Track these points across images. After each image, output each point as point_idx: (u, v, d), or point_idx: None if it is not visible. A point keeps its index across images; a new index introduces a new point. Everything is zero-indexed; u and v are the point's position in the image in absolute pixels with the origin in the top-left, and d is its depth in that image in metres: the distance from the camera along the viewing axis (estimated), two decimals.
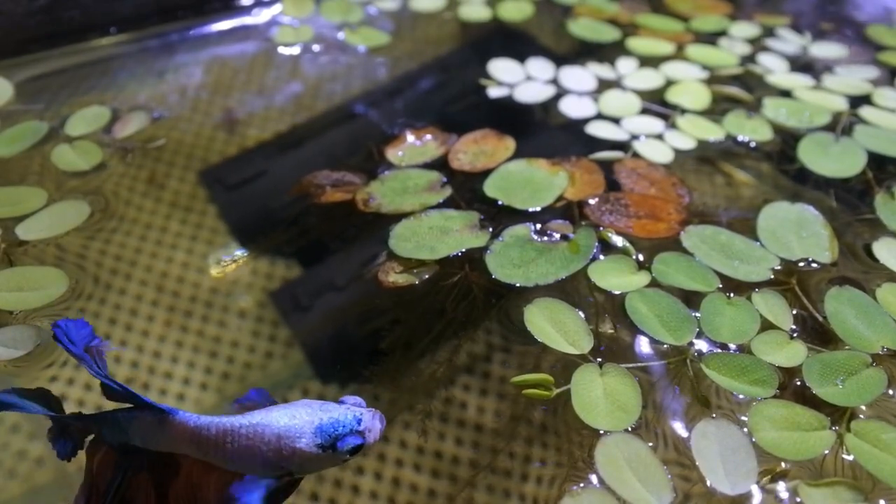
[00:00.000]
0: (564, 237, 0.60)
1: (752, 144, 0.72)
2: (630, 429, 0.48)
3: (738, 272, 0.57)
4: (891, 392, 0.50)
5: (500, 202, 0.63)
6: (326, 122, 0.75)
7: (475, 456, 0.48)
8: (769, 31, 0.90)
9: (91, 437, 0.40)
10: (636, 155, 0.69)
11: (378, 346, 0.54)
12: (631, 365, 0.51)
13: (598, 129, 0.72)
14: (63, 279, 0.56)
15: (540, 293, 0.55)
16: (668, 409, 0.49)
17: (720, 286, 0.56)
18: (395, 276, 0.57)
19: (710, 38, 0.88)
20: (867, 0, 0.99)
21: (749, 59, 0.84)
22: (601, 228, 0.61)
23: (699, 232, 0.61)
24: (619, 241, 0.59)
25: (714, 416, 0.49)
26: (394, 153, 0.69)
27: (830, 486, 0.45)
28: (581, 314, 0.54)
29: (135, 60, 0.81)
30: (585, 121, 0.73)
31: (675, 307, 0.54)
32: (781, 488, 0.45)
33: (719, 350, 0.52)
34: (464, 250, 0.59)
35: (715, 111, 0.75)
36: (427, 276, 0.57)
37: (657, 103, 0.76)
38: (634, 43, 0.86)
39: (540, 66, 0.81)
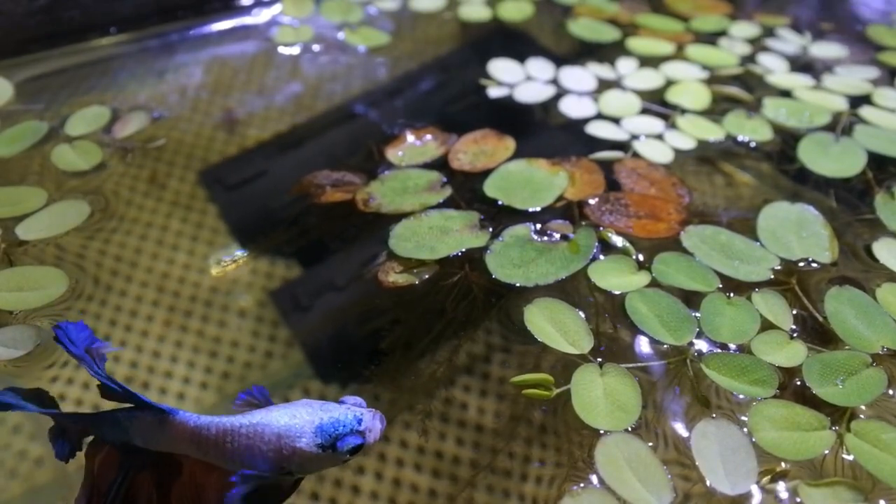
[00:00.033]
0: (564, 237, 0.60)
1: (752, 144, 0.72)
2: (630, 429, 0.48)
3: (738, 272, 0.57)
4: (891, 392, 0.50)
5: (500, 202, 0.63)
6: (326, 122, 0.75)
7: (475, 456, 0.48)
8: (769, 31, 0.90)
9: (90, 438, 0.40)
10: (636, 155, 0.69)
11: (378, 346, 0.54)
12: (631, 365, 0.51)
13: (598, 129, 0.72)
14: (63, 279, 0.56)
15: (540, 293, 0.55)
16: (668, 409, 0.49)
17: (720, 286, 0.56)
18: (395, 276, 0.57)
19: (710, 38, 0.88)
20: (867, 0, 0.99)
21: (749, 59, 0.84)
22: (601, 228, 0.61)
23: (699, 232, 0.61)
24: (619, 241, 0.59)
25: (714, 416, 0.49)
26: (394, 153, 0.69)
27: (830, 486, 0.45)
28: (581, 314, 0.54)
29: (135, 60, 0.81)
30: (585, 121, 0.73)
31: (675, 307, 0.54)
32: (781, 488, 0.45)
33: (719, 350, 0.52)
34: (464, 250, 0.59)
35: (715, 111, 0.75)
36: (427, 276, 0.57)
37: (657, 103, 0.76)
38: (634, 43, 0.86)
39: (540, 66, 0.81)
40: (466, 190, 0.64)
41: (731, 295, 0.56)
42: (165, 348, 0.54)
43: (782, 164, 0.70)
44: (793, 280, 0.57)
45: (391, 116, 0.75)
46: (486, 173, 0.66)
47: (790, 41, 0.88)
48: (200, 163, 0.69)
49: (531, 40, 0.88)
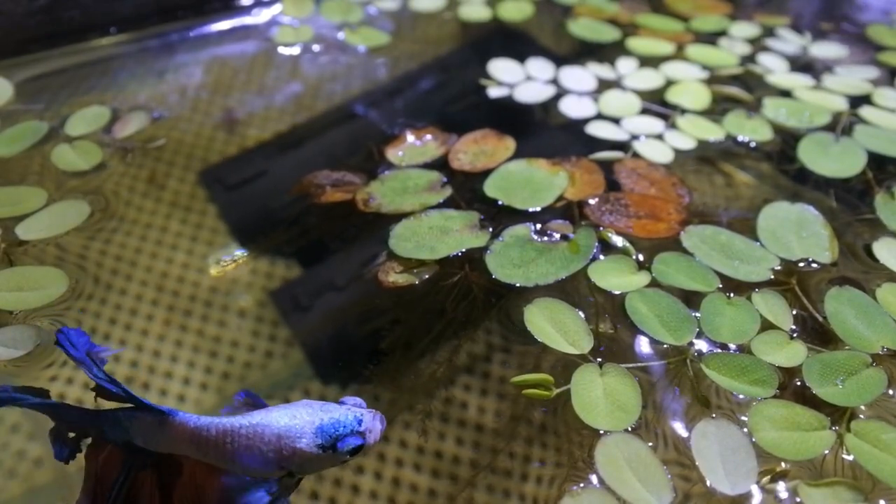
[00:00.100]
0: (564, 237, 0.60)
1: (752, 144, 0.72)
2: (630, 429, 0.48)
3: (738, 272, 0.57)
4: (891, 392, 0.50)
5: (500, 202, 0.63)
6: (326, 122, 0.75)
7: (475, 456, 0.48)
8: (769, 31, 0.90)
9: (90, 440, 0.40)
10: (636, 155, 0.69)
11: (378, 346, 0.54)
12: (631, 365, 0.51)
13: (598, 129, 0.72)
14: (63, 279, 0.56)
15: (540, 293, 0.55)
16: (668, 409, 0.49)
17: (720, 286, 0.56)
18: (395, 276, 0.57)
19: (710, 38, 0.88)
20: (867, 0, 0.99)
21: (749, 59, 0.84)
22: (601, 228, 0.61)
23: (699, 232, 0.61)
24: (619, 241, 0.59)
25: (714, 416, 0.49)
26: (394, 153, 0.69)
27: (830, 486, 0.45)
28: (581, 314, 0.54)
29: (135, 60, 0.81)
30: (585, 121, 0.73)
31: (675, 307, 0.54)
32: (781, 488, 0.45)
33: (719, 350, 0.52)
34: (464, 250, 0.59)
35: (715, 111, 0.75)
36: (427, 276, 0.57)
37: (657, 103, 0.76)
38: (634, 43, 0.86)
39: (540, 66, 0.81)
40: (466, 190, 0.64)
41: (731, 295, 0.56)
42: (165, 348, 0.54)
43: (782, 164, 0.70)
44: (793, 280, 0.57)
45: (391, 116, 0.75)
46: (486, 173, 0.66)
47: (790, 41, 0.88)
48: (200, 163, 0.69)
49: (531, 40, 0.88)
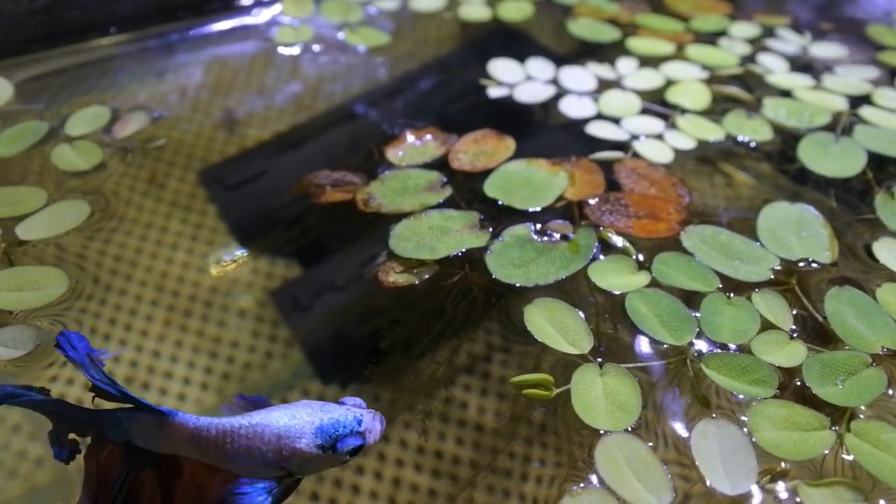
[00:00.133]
0: (564, 237, 0.60)
1: (752, 144, 0.72)
2: (630, 429, 0.48)
3: (738, 272, 0.57)
4: (891, 392, 0.50)
5: (500, 202, 0.63)
6: (326, 122, 0.75)
7: (475, 456, 0.48)
8: (769, 31, 0.90)
9: (89, 440, 0.40)
10: (636, 155, 0.69)
11: (378, 346, 0.54)
12: (631, 365, 0.51)
13: (598, 129, 0.72)
14: (63, 279, 0.56)
15: (540, 293, 0.55)
16: (668, 409, 0.49)
17: (720, 286, 0.56)
18: (395, 276, 0.57)
19: (710, 38, 0.88)
20: (867, 0, 0.99)
21: (749, 59, 0.84)
22: (601, 228, 0.61)
23: (699, 232, 0.61)
24: (619, 241, 0.59)
25: (714, 416, 0.49)
26: (394, 153, 0.69)
27: (830, 486, 0.45)
28: (581, 314, 0.54)
29: (135, 60, 0.81)
30: (585, 121, 0.73)
31: (675, 307, 0.54)
32: (781, 488, 0.45)
33: (719, 350, 0.52)
34: (464, 250, 0.59)
35: (715, 111, 0.75)
36: (427, 276, 0.57)
37: (657, 103, 0.76)
38: (634, 43, 0.86)
39: (540, 66, 0.81)
40: (466, 190, 0.64)
41: (731, 295, 0.56)
42: (165, 348, 0.54)
43: (782, 164, 0.70)
44: (793, 280, 0.57)
45: (391, 116, 0.75)
46: (486, 173, 0.66)
47: (790, 41, 0.88)
48: (200, 163, 0.69)
49: (531, 40, 0.88)
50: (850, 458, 0.47)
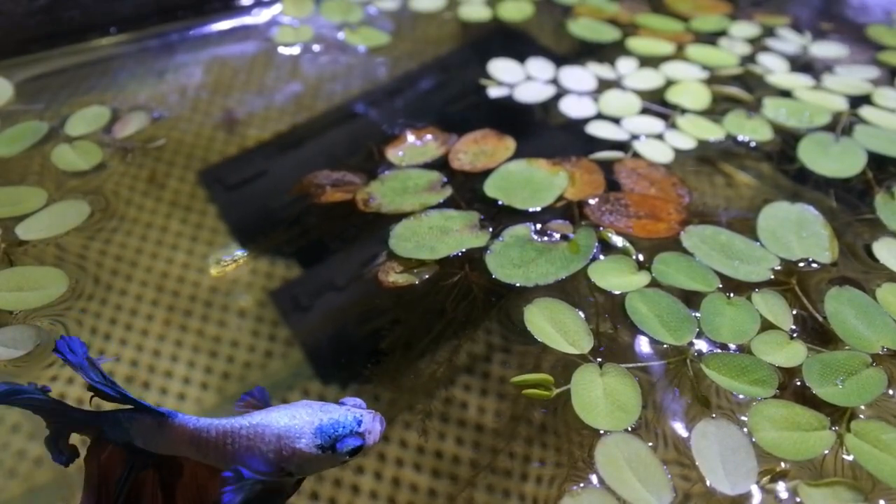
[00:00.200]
0: (564, 237, 0.60)
1: (752, 144, 0.72)
2: (630, 429, 0.48)
3: (738, 272, 0.57)
4: (891, 392, 0.50)
5: (500, 202, 0.63)
6: (326, 122, 0.75)
7: (475, 456, 0.48)
8: (769, 31, 0.90)
9: (89, 443, 0.40)
10: (636, 155, 0.69)
11: (378, 346, 0.54)
12: (631, 365, 0.51)
13: (598, 129, 0.72)
14: (63, 279, 0.56)
15: (540, 293, 0.55)
16: (668, 409, 0.49)
17: (720, 286, 0.56)
18: (395, 276, 0.57)
19: (710, 38, 0.88)
20: (867, 0, 0.99)
21: (749, 59, 0.84)
22: (601, 228, 0.61)
23: (699, 232, 0.61)
24: (619, 241, 0.59)
25: (714, 416, 0.49)
26: (394, 153, 0.69)
27: (830, 486, 0.45)
28: (581, 314, 0.54)
29: (135, 60, 0.81)
30: (585, 121, 0.73)
31: (675, 307, 0.54)
32: (781, 488, 0.45)
33: (719, 350, 0.52)
34: (464, 250, 0.59)
35: (715, 111, 0.75)
36: (427, 276, 0.57)
37: (657, 103, 0.76)
38: (634, 43, 0.86)
39: (540, 66, 0.81)
40: (466, 190, 0.64)
41: (731, 295, 0.56)
42: (165, 347, 0.54)
43: (782, 164, 0.70)
44: (793, 280, 0.57)
45: (391, 116, 0.75)
46: (486, 173, 0.66)
47: (790, 41, 0.88)
48: (200, 163, 0.69)
49: (531, 40, 0.88)
50: (850, 458, 0.47)
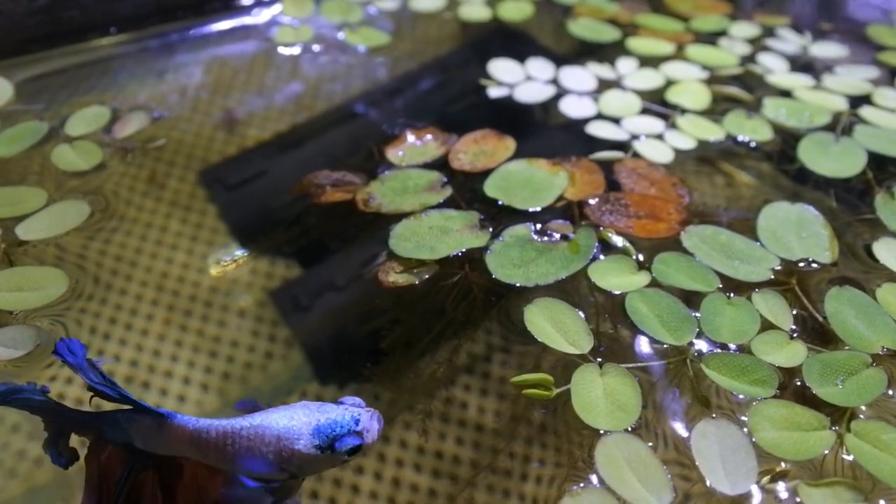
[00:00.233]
0: (564, 237, 0.60)
1: (752, 144, 0.72)
2: (630, 429, 0.48)
3: (738, 272, 0.57)
4: (891, 392, 0.50)
5: (500, 202, 0.63)
6: (326, 122, 0.75)
7: (475, 456, 0.48)
8: (769, 31, 0.90)
9: (89, 444, 0.40)
10: (636, 155, 0.69)
11: (378, 346, 0.54)
12: (631, 365, 0.51)
13: (598, 129, 0.72)
14: (63, 279, 0.56)
15: (540, 293, 0.55)
16: (668, 409, 0.49)
17: (720, 286, 0.56)
18: (395, 276, 0.57)
19: (710, 38, 0.88)
20: (867, 0, 0.99)
21: (749, 59, 0.84)
22: (601, 228, 0.61)
23: (699, 232, 0.61)
24: (619, 241, 0.59)
25: (714, 416, 0.49)
26: (394, 153, 0.69)
27: (830, 486, 0.45)
28: (581, 314, 0.54)
29: (135, 60, 0.81)
30: (585, 121, 0.73)
31: (675, 307, 0.54)
32: (781, 488, 0.45)
33: (719, 350, 0.52)
34: (464, 250, 0.59)
35: (715, 111, 0.75)
36: (427, 276, 0.57)
37: (657, 103, 0.76)
38: (634, 43, 0.86)
39: (540, 66, 0.81)
40: (466, 190, 0.64)
41: (731, 295, 0.56)
42: (165, 347, 0.54)
43: (782, 164, 0.70)
44: (793, 280, 0.57)
45: (391, 116, 0.75)
46: (486, 173, 0.66)
47: (790, 41, 0.88)
48: (200, 163, 0.69)
49: (531, 40, 0.88)
50: (850, 458, 0.47)
